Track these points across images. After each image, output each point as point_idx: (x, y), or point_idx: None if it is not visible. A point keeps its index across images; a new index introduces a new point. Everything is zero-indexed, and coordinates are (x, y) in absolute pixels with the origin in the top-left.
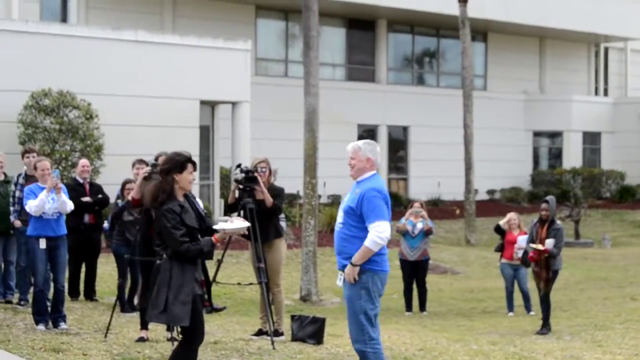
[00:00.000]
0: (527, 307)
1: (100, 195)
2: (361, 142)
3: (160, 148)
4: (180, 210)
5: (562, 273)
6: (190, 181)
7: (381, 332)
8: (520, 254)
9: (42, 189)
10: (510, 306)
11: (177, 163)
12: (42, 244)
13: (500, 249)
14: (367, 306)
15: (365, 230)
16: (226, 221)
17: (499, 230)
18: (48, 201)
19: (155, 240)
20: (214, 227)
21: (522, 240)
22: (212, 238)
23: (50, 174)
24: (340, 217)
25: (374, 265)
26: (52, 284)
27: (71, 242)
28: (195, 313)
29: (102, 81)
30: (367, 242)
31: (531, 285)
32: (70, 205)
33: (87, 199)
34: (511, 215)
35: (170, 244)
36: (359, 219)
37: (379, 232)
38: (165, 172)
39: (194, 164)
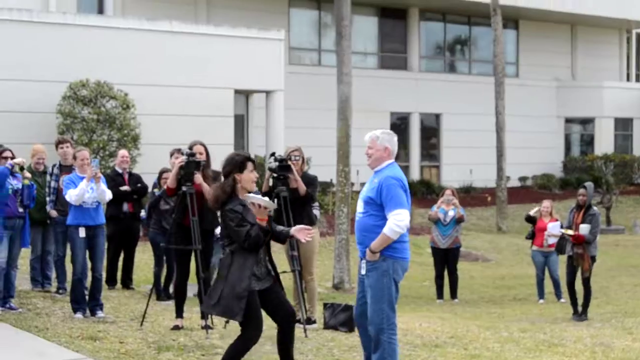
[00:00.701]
0: (558, 294)
1: (139, 185)
2: (379, 131)
3: (195, 137)
4: (242, 209)
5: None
6: (252, 180)
7: (412, 320)
8: (550, 241)
9: (82, 178)
10: (541, 293)
11: (237, 163)
12: (82, 232)
13: (531, 236)
14: (390, 292)
15: (386, 220)
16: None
17: (530, 219)
18: (87, 190)
19: (222, 238)
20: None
21: (552, 227)
22: (258, 221)
23: (89, 163)
24: (360, 207)
25: (394, 252)
26: (90, 273)
27: (110, 230)
28: (251, 309)
29: (138, 72)
30: (386, 230)
31: (561, 273)
32: (109, 195)
33: (125, 187)
34: (545, 202)
35: (238, 241)
36: (379, 208)
37: (398, 220)
38: (226, 174)
39: (253, 162)
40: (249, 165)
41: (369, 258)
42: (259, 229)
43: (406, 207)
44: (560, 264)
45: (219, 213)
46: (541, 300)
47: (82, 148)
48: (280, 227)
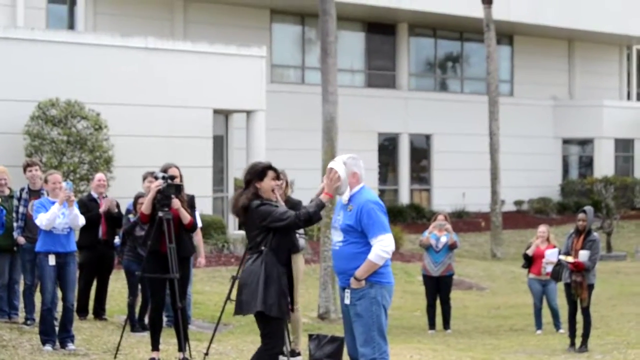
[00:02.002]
0: (556, 324)
1: (116, 210)
2: (345, 156)
3: (172, 159)
4: (270, 202)
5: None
6: (273, 188)
7: (403, 351)
8: (548, 268)
9: (53, 203)
10: (539, 324)
11: (257, 171)
12: (52, 260)
13: (528, 265)
14: (380, 320)
15: (368, 245)
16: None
17: (527, 258)
18: (59, 215)
19: (249, 244)
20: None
21: (550, 254)
22: (322, 196)
23: (62, 187)
24: (338, 236)
25: (381, 277)
26: (60, 302)
27: (84, 258)
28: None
29: (111, 90)
30: (372, 257)
31: (561, 302)
32: (81, 220)
33: (103, 209)
34: (541, 227)
35: (278, 223)
36: (359, 235)
37: (384, 246)
38: (247, 182)
39: (275, 170)
40: (270, 173)
41: (355, 286)
42: (311, 206)
43: (389, 231)
44: (559, 292)
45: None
46: (539, 331)
47: (54, 171)
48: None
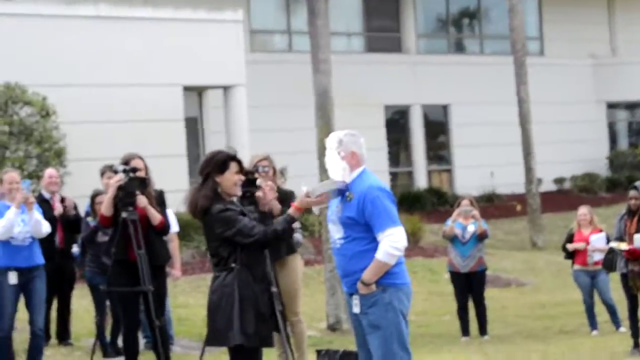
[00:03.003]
0: (615, 321)
1: (73, 212)
2: (342, 132)
3: (136, 148)
4: (234, 207)
5: None
6: (236, 183)
7: None
8: (596, 257)
9: (9, 207)
10: (593, 323)
11: (217, 162)
12: (12, 278)
13: (571, 254)
14: (399, 329)
15: (375, 242)
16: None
17: (567, 252)
18: (18, 223)
19: (212, 259)
20: (303, 188)
21: (596, 240)
22: (290, 210)
23: (19, 187)
24: (338, 232)
25: (394, 278)
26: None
27: None
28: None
29: (58, 69)
30: (380, 255)
31: (618, 296)
32: (46, 227)
33: (57, 211)
34: (581, 209)
35: (243, 239)
36: (363, 229)
37: (394, 241)
38: (204, 176)
39: (239, 162)
40: (233, 165)
41: (364, 291)
42: (279, 223)
43: (399, 223)
44: (614, 283)
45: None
46: (594, 332)
47: (9, 169)
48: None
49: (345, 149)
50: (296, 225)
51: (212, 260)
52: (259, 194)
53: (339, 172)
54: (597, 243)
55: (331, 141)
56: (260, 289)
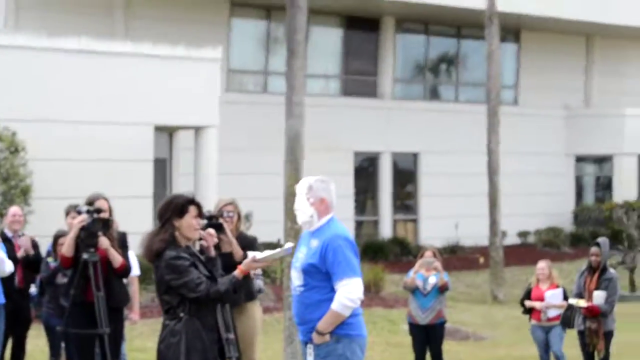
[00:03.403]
0: None
1: (32, 252)
2: (312, 178)
3: (104, 188)
4: (187, 256)
5: (615, 335)
6: (195, 228)
7: None
8: (550, 313)
9: None
10: None
11: (177, 207)
12: None
13: (528, 310)
14: None
15: (334, 291)
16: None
17: (524, 307)
18: None
19: (162, 305)
20: (250, 256)
21: (551, 296)
22: (235, 273)
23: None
24: (298, 279)
25: (349, 329)
26: None
27: None
28: None
29: (31, 104)
30: (335, 306)
31: (576, 353)
32: (9, 266)
33: (21, 253)
34: (540, 264)
35: (187, 293)
36: (324, 277)
37: (348, 292)
38: (163, 220)
39: (198, 205)
40: (192, 209)
41: (317, 341)
42: (223, 284)
43: (358, 275)
44: (572, 340)
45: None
46: None
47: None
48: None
49: (315, 196)
50: (258, 271)
51: (162, 307)
52: (202, 242)
53: (306, 218)
54: (552, 299)
55: (301, 186)
56: (210, 339)
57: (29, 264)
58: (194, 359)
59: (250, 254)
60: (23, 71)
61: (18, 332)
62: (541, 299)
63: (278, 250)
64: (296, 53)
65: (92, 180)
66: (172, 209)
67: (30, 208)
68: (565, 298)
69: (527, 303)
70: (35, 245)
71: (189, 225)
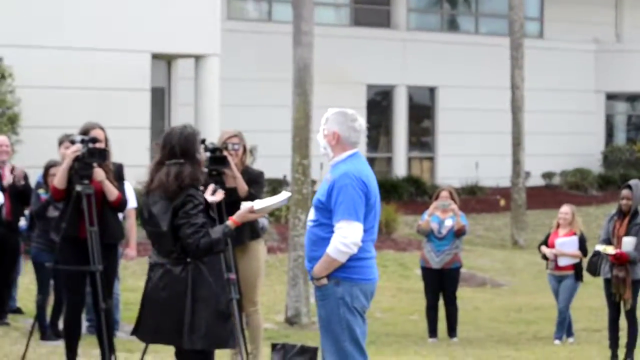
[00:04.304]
0: (558, 333)
1: (22, 182)
2: (333, 110)
3: (97, 117)
4: (201, 198)
5: None
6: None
7: None
8: (561, 262)
9: None
10: (565, 330)
11: (198, 138)
12: None
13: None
14: (351, 326)
15: None
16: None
17: (545, 258)
18: None
19: (162, 246)
20: (245, 206)
21: (562, 243)
22: (228, 222)
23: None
24: (311, 214)
25: (350, 272)
26: None
27: None
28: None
29: (17, 28)
30: (329, 249)
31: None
32: None
33: (6, 181)
34: (564, 207)
35: (186, 235)
36: (330, 215)
37: (342, 236)
38: (188, 153)
39: (203, 141)
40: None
41: (315, 283)
42: (216, 232)
43: (358, 218)
44: (599, 290)
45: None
46: (570, 339)
47: None
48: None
49: (329, 128)
50: None
51: (160, 248)
52: (227, 170)
53: (321, 150)
54: (563, 247)
55: (323, 117)
56: (219, 286)
57: (18, 196)
58: (202, 309)
59: (245, 204)
60: None
61: (4, 268)
62: (554, 245)
63: (274, 199)
64: None
65: (84, 110)
66: (197, 143)
67: (18, 137)
68: (582, 248)
69: (542, 249)
70: (25, 177)
71: (202, 162)
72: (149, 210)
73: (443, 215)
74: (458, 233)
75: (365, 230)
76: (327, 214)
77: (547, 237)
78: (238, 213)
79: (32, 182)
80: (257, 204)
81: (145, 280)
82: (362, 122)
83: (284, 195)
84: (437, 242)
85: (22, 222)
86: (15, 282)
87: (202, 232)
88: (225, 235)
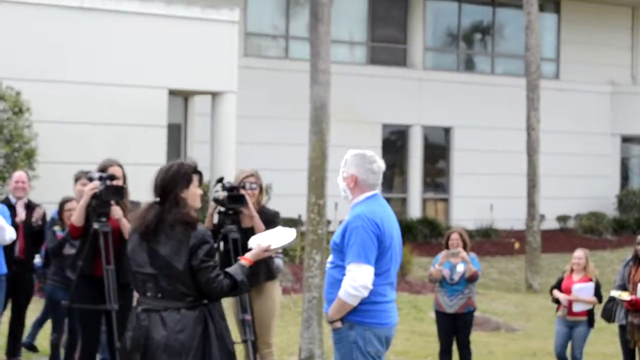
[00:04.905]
0: None
1: (40, 223)
2: (353, 152)
3: (114, 154)
4: (211, 239)
5: None
6: (198, 196)
7: None
8: (576, 308)
9: None
10: None
11: (185, 176)
12: None
13: (557, 300)
14: None
15: None
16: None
17: (554, 298)
18: None
19: (173, 288)
20: (250, 243)
21: (579, 289)
22: (243, 262)
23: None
24: (330, 256)
25: (363, 316)
26: None
27: None
28: None
29: (36, 63)
30: (340, 293)
31: (615, 350)
32: (10, 233)
33: (19, 218)
34: (577, 252)
35: (210, 279)
36: (344, 257)
37: (352, 279)
38: (166, 192)
39: (200, 174)
40: (195, 178)
41: (331, 326)
42: (237, 274)
43: (368, 261)
44: (613, 336)
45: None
46: None
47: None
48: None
49: (347, 170)
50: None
51: (171, 290)
52: (244, 210)
53: (342, 192)
54: (580, 293)
55: (344, 158)
56: (225, 327)
57: (33, 235)
58: (218, 348)
59: (256, 242)
60: (27, 29)
61: (17, 306)
62: (570, 291)
63: (278, 233)
64: (320, 17)
65: (101, 146)
66: (179, 179)
67: (34, 172)
68: (597, 294)
69: (555, 293)
70: (43, 218)
71: (195, 195)
72: (150, 253)
73: (455, 261)
74: (470, 279)
75: (380, 274)
76: (342, 255)
77: (560, 281)
78: (252, 252)
79: (48, 218)
80: (265, 240)
81: (137, 326)
82: (380, 163)
83: (292, 232)
84: (450, 287)
85: (37, 260)
86: (42, 324)
87: (222, 274)
88: (245, 274)
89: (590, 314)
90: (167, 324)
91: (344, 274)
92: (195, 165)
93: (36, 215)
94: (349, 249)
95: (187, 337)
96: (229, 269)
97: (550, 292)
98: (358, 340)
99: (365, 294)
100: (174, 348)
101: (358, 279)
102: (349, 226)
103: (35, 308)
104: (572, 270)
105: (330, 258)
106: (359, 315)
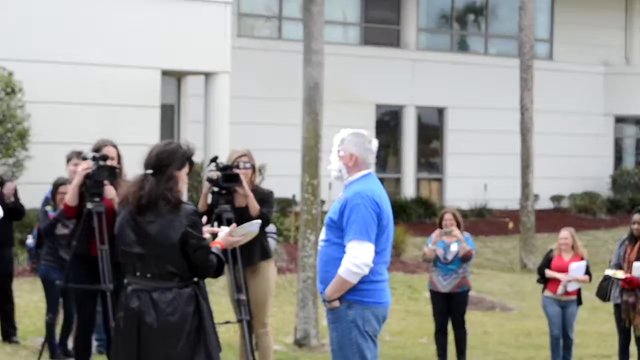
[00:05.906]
0: (567, 358)
1: (12, 200)
2: (348, 131)
3: (107, 134)
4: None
5: None
6: (185, 181)
7: None
8: (571, 287)
9: None
10: (557, 358)
11: (182, 158)
12: None
13: (544, 279)
14: (362, 350)
15: None
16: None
17: (542, 276)
18: None
19: (161, 268)
20: (222, 230)
21: (576, 268)
22: (217, 244)
23: None
24: (323, 234)
25: (362, 295)
26: None
27: None
28: None
29: (27, 43)
30: (340, 271)
31: (610, 329)
32: None
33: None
34: (563, 232)
35: (204, 257)
36: (342, 234)
37: (353, 256)
38: (159, 168)
39: (192, 164)
40: (186, 164)
41: (327, 306)
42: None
43: (369, 239)
44: (609, 315)
45: None
46: None
47: None
48: None
49: (345, 149)
50: (271, 229)
51: (159, 270)
52: (239, 189)
53: (336, 173)
54: (577, 272)
55: (337, 138)
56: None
57: (8, 211)
58: (208, 324)
59: (224, 229)
60: (19, 9)
61: (2, 285)
62: (562, 270)
63: (245, 226)
64: None
65: (94, 126)
66: (176, 157)
67: (27, 153)
68: (587, 272)
69: (549, 273)
70: (15, 193)
71: (183, 180)
72: (138, 232)
73: (448, 240)
74: (464, 258)
75: (377, 253)
76: (338, 232)
77: (549, 261)
78: (221, 236)
79: (41, 198)
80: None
81: (129, 308)
82: (375, 143)
83: (254, 222)
84: (444, 266)
85: (30, 240)
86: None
87: (213, 253)
88: (219, 256)
89: (579, 292)
90: (158, 305)
91: (341, 252)
92: (192, 152)
93: (7, 190)
94: (350, 226)
95: (178, 320)
96: (212, 249)
97: (539, 272)
98: (357, 319)
99: (367, 271)
100: (167, 332)
101: (360, 257)
102: (348, 203)
103: (31, 289)
104: (560, 251)
105: (324, 235)
106: (358, 295)
